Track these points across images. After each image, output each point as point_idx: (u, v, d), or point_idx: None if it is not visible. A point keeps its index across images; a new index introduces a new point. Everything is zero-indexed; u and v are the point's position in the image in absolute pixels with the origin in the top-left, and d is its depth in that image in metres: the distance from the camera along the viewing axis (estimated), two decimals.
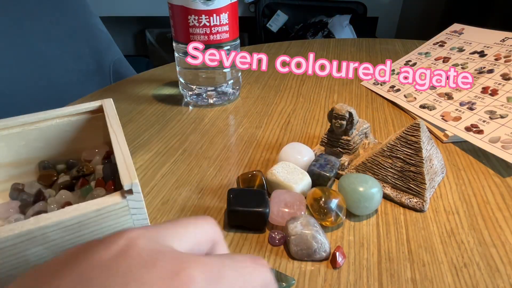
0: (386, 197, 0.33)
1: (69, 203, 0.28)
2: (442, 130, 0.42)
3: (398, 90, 0.51)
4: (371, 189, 0.29)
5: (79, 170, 0.32)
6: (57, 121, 0.32)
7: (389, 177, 0.33)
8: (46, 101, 0.74)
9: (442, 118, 0.43)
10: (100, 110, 0.33)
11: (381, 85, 0.54)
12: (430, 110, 0.45)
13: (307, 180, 0.32)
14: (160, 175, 0.36)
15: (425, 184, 0.31)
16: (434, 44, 0.56)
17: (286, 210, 0.29)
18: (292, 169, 0.32)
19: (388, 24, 1.86)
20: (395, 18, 1.86)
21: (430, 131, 0.43)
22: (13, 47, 0.70)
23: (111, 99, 0.33)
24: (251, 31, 1.82)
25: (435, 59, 0.53)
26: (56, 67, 0.77)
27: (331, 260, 0.27)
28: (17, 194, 0.30)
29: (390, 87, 0.52)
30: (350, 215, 0.31)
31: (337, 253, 0.26)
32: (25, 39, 0.72)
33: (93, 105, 0.33)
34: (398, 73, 0.55)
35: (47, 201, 0.29)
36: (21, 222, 0.21)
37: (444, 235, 0.29)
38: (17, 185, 0.31)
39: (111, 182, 0.30)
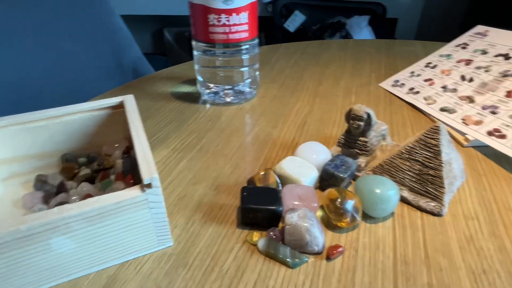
0: (403, 200, 0.32)
1: (89, 195, 0.29)
2: (463, 134, 0.41)
3: (418, 92, 0.50)
4: (388, 191, 0.29)
5: (100, 164, 0.33)
6: (80, 115, 0.33)
7: (407, 180, 0.32)
8: (69, 96, 0.76)
9: (463, 122, 0.42)
10: (121, 106, 0.34)
11: (400, 87, 0.53)
12: (451, 113, 0.44)
13: (314, 174, 0.32)
14: (177, 171, 0.37)
15: (444, 188, 0.31)
16: (456, 46, 0.55)
17: (300, 203, 0.29)
18: (300, 164, 0.33)
19: (408, 25, 1.82)
20: (415, 20, 1.82)
21: (450, 135, 0.42)
22: (40, 44, 0.72)
23: (132, 95, 0.34)
24: (268, 31, 1.82)
25: (457, 62, 0.52)
26: (78, 63, 0.79)
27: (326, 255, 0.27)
28: (40, 185, 0.31)
29: (409, 89, 0.51)
30: (366, 216, 0.30)
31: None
32: (51, 37, 0.74)
33: (114, 100, 0.34)
34: (418, 75, 0.54)
35: (69, 192, 0.30)
36: (45, 211, 0.22)
37: (463, 241, 0.28)
38: (41, 177, 0.32)
39: (130, 176, 0.30)
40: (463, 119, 0.42)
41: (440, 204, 0.31)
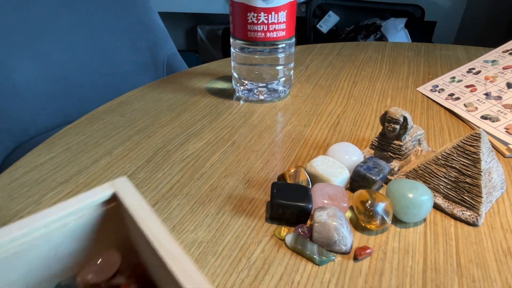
0: (436, 207, 0.31)
1: None
2: (506, 143, 0.39)
3: (458, 98, 0.48)
4: (421, 197, 0.29)
5: None
6: (44, 235, 0.20)
7: (442, 187, 0.31)
8: (105, 88, 0.80)
9: (506, 131, 0.40)
10: (112, 200, 0.22)
11: (439, 92, 0.51)
12: (493, 121, 0.42)
13: (346, 174, 0.32)
14: (210, 163, 0.38)
15: (482, 197, 0.30)
16: (503, 52, 0.53)
17: (329, 202, 0.29)
18: (331, 163, 0.33)
19: (447, 29, 1.75)
20: (455, 23, 1.74)
21: (492, 144, 0.40)
22: (81, 38, 0.76)
23: (125, 178, 0.22)
24: (300, 31, 1.81)
25: (503, 68, 0.49)
26: (116, 57, 0.83)
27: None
28: None
29: (449, 95, 0.50)
30: (396, 221, 0.30)
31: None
32: (91, 32, 0.78)
33: (100, 195, 0.21)
34: (459, 81, 0.52)
35: None
36: None
37: (500, 253, 0.27)
38: None
39: None
40: (506, 128, 0.40)
41: (476, 213, 0.30)
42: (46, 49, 0.71)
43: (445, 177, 0.31)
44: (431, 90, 0.52)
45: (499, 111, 0.43)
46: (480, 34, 1.62)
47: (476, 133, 0.30)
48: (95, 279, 0.22)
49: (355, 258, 0.27)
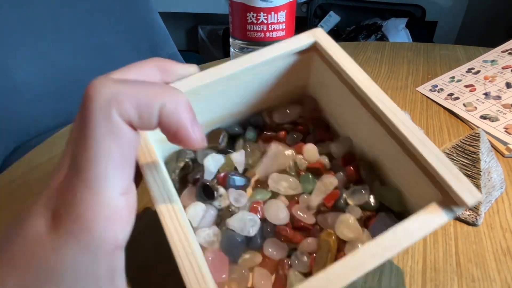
0: None
1: None
2: (505, 143, 0.39)
3: (457, 98, 0.48)
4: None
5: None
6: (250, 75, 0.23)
7: None
8: None
9: (506, 131, 0.40)
10: (310, 49, 0.23)
11: (438, 92, 0.51)
12: (492, 121, 0.42)
13: None
14: None
15: (481, 197, 0.30)
16: (502, 51, 0.53)
17: None
18: None
19: (448, 29, 1.75)
20: (456, 23, 1.74)
21: (491, 144, 0.40)
22: (82, 38, 0.77)
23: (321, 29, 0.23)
24: (301, 31, 1.81)
25: (502, 68, 0.49)
26: (116, 57, 0.83)
27: None
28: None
29: (448, 95, 0.50)
30: None
31: None
32: (92, 31, 0.78)
33: (300, 42, 0.23)
34: (458, 81, 0.52)
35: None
36: None
37: (499, 253, 0.27)
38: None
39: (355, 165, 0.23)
40: (505, 128, 0.40)
41: (476, 213, 0.30)
42: (47, 49, 0.71)
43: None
44: (431, 90, 0.52)
45: (498, 110, 0.43)
46: (482, 34, 1.62)
47: (476, 133, 0.30)
48: (280, 119, 0.26)
49: None
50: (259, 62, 0.22)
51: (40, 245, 0.14)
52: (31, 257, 0.14)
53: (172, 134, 0.15)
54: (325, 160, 0.24)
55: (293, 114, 0.26)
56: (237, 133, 0.26)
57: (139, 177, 0.18)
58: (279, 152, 0.24)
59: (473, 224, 0.30)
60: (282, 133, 0.26)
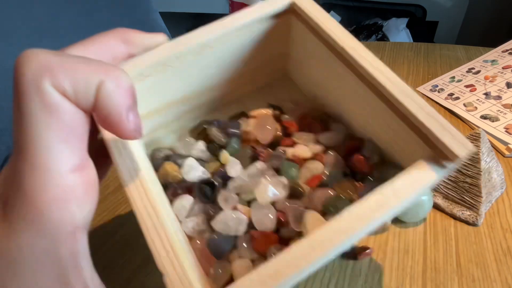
0: (436, 206, 0.31)
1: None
2: (505, 143, 0.39)
3: (457, 98, 0.48)
4: (421, 196, 0.29)
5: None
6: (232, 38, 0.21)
7: (441, 187, 0.31)
8: None
9: (506, 131, 0.40)
10: (289, 12, 0.21)
11: (438, 92, 0.51)
12: (493, 121, 0.42)
13: None
14: None
15: (481, 197, 0.30)
16: (503, 51, 0.53)
17: None
18: None
19: (449, 29, 1.74)
20: (457, 23, 1.74)
21: (492, 144, 0.40)
22: (82, 38, 0.77)
23: None
24: None
25: (503, 68, 0.49)
26: None
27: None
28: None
29: (449, 95, 0.50)
30: (396, 220, 0.30)
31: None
32: (92, 31, 0.78)
33: (276, 4, 0.20)
34: (458, 81, 0.52)
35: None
36: None
37: (499, 253, 0.27)
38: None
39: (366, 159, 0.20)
40: (506, 128, 0.40)
41: (476, 213, 0.30)
42: (47, 49, 0.71)
43: (445, 177, 0.31)
44: (431, 90, 0.52)
45: (499, 110, 0.43)
46: (482, 34, 1.62)
47: (476, 133, 0.30)
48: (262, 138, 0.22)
49: (355, 258, 0.27)
50: (232, 28, 0.20)
51: None
52: None
53: (103, 117, 0.14)
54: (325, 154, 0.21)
55: (273, 129, 0.22)
56: (220, 143, 0.22)
57: (108, 161, 0.17)
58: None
59: (473, 224, 0.30)
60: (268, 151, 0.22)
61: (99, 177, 0.15)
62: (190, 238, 0.18)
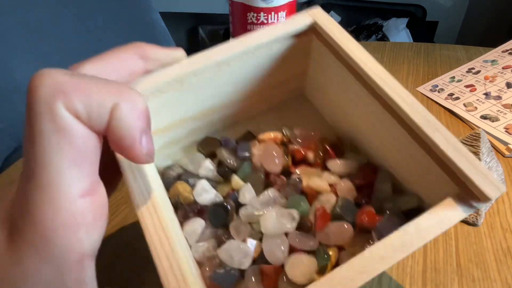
0: None
1: None
2: (505, 143, 0.39)
3: (457, 98, 0.48)
4: None
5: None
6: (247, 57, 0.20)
7: None
8: None
9: (506, 131, 0.40)
10: (309, 32, 0.21)
11: (438, 92, 0.51)
12: (493, 121, 0.42)
13: None
14: None
15: None
16: (503, 51, 0.53)
17: None
18: None
19: (449, 29, 1.74)
20: (457, 23, 1.74)
21: (492, 144, 0.40)
22: (82, 38, 0.77)
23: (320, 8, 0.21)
24: None
25: (503, 68, 0.49)
26: None
27: None
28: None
29: (449, 95, 0.50)
30: None
31: None
32: (92, 31, 0.79)
33: (297, 24, 0.20)
34: (458, 81, 0.52)
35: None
36: None
37: (499, 253, 0.27)
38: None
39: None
40: (506, 128, 0.40)
41: (476, 214, 0.30)
42: (48, 49, 0.71)
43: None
44: (431, 90, 0.52)
45: (499, 110, 0.43)
46: (482, 34, 1.62)
47: (476, 133, 0.30)
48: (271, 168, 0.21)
49: None
50: (251, 46, 0.19)
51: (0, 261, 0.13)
52: None
53: (116, 140, 0.13)
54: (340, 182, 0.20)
55: (280, 163, 0.21)
56: (232, 167, 0.22)
57: (118, 176, 0.17)
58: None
59: (473, 224, 0.30)
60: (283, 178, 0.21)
61: (108, 194, 0.15)
62: (200, 265, 0.18)
